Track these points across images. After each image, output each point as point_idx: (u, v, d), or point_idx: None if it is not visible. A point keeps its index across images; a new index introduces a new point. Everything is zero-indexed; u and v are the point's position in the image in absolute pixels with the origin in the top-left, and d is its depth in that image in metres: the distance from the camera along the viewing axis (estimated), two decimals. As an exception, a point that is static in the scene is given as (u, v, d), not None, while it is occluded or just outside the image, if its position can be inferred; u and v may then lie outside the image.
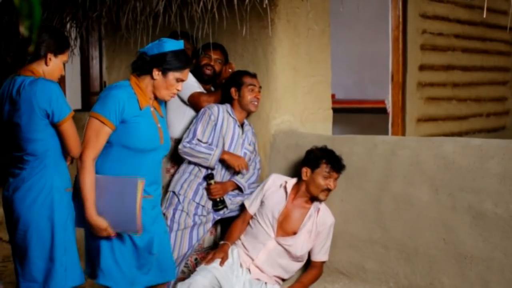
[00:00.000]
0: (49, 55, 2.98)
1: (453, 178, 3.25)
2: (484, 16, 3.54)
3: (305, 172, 3.62)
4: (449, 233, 3.27)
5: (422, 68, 5.78)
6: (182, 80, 3.11)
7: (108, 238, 3.01)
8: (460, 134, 6.13)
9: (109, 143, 2.99)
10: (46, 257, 2.95)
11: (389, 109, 5.58)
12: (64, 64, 3.09)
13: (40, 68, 2.98)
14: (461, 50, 6.29)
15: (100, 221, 2.93)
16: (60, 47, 3.03)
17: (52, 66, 3.01)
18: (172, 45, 3.05)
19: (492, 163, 3.12)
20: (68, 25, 5.11)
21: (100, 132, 2.93)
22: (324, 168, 3.57)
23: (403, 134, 5.58)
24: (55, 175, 2.95)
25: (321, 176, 3.56)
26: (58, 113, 2.86)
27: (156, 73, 3.03)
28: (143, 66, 3.05)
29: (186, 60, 3.12)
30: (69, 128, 2.90)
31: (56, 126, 2.90)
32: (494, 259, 3.11)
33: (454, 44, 6.20)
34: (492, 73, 6.80)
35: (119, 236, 3.03)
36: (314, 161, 3.61)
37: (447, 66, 6.12)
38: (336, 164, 3.59)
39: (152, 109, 3.08)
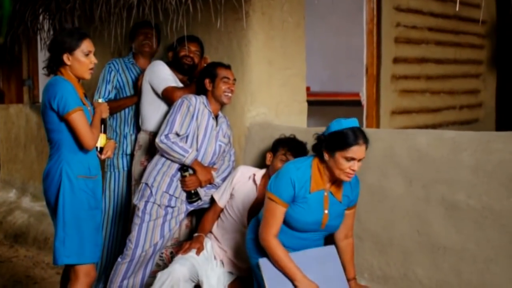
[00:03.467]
0: (65, 56, 3.27)
1: (427, 170, 3.28)
2: (457, 9, 3.58)
3: (269, 157, 3.72)
4: (422, 225, 3.30)
5: (396, 61, 5.81)
6: None
7: None
8: (433, 126, 6.17)
9: None
10: (54, 230, 3.33)
11: (364, 102, 5.61)
12: (89, 53, 3.30)
13: (65, 69, 3.31)
14: (435, 43, 6.33)
15: (312, 284, 3.00)
16: (71, 44, 3.28)
17: (73, 64, 3.29)
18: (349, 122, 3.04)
19: (465, 155, 3.15)
20: (41, 17, 5.05)
21: (275, 212, 3.02)
22: (281, 151, 3.65)
23: (378, 126, 5.61)
24: (67, 162, 3.26)
25: (279, 159, 3.63)
26: (62, 107, 3.19)
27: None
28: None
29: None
30: (74, 121, 3.20)
31: (64, 119, 3.22)
32: (467, 250, 3.14)
33: (428, 37, 6.24)
34: (465, 66, 6.86)
35: None
36: (275, 146, 3.72)
37: (421, 59, 6.16)
38: (292, 146, 3.64)
39: (326, 193, 3.07)
